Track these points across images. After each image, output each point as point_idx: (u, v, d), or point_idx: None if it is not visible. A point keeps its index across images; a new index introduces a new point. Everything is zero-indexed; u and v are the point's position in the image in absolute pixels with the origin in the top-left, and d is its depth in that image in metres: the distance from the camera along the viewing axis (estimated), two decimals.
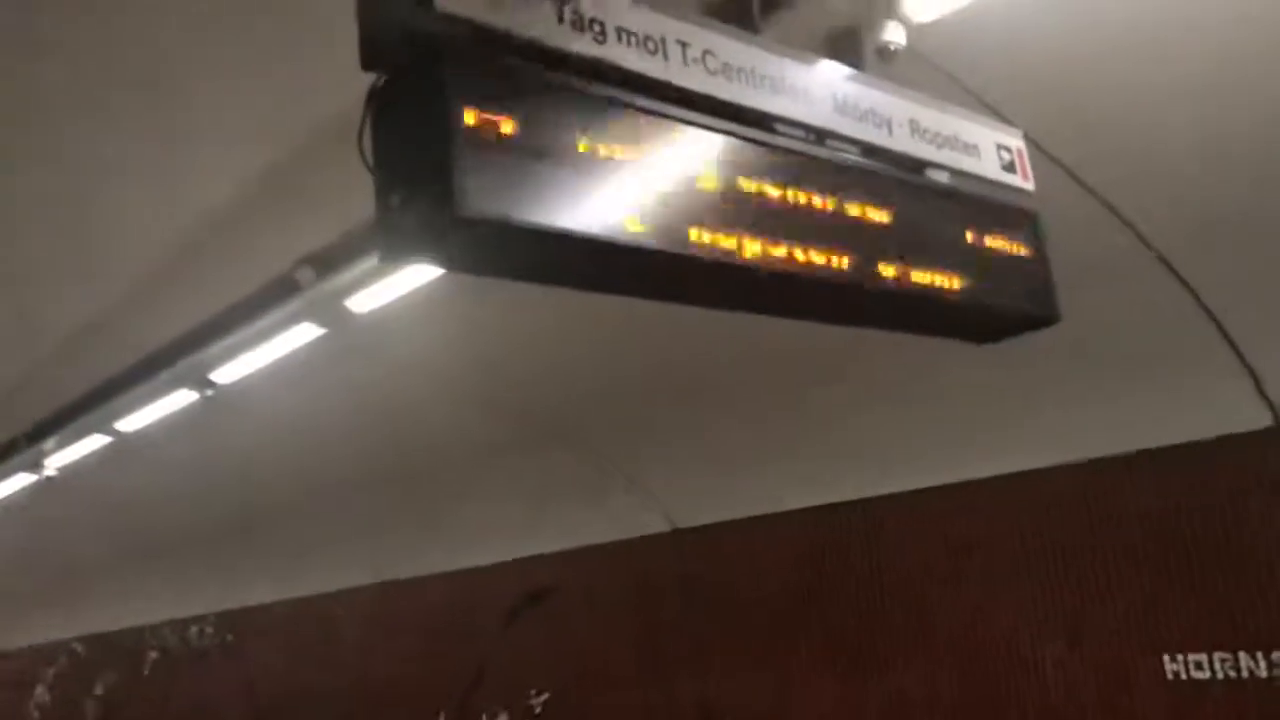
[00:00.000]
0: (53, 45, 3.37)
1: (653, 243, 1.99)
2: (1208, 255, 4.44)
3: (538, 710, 8.21)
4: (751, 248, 2.11)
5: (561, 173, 1.91)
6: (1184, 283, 4.60)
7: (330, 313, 5.43)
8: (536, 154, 1.88)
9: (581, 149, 1.95)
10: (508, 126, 1.85)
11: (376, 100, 1.89)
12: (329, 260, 5.00)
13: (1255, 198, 4.12)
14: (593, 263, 2.03)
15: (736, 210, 2.14)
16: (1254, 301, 4.58)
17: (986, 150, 2.69)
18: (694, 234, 2.05)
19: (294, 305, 5.33)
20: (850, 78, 2.53)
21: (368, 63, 1.84)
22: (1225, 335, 4.76)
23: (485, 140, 1.81)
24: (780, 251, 2.15)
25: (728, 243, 2.08)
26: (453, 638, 9.12)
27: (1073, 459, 5.55)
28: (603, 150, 1.99)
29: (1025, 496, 5.72)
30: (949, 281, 2.42)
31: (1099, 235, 4.37)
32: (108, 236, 5.21)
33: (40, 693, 16.86)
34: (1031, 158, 2.88)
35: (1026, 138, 2.91)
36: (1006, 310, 2.60)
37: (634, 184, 2.02)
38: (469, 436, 7.48)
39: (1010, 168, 2.73)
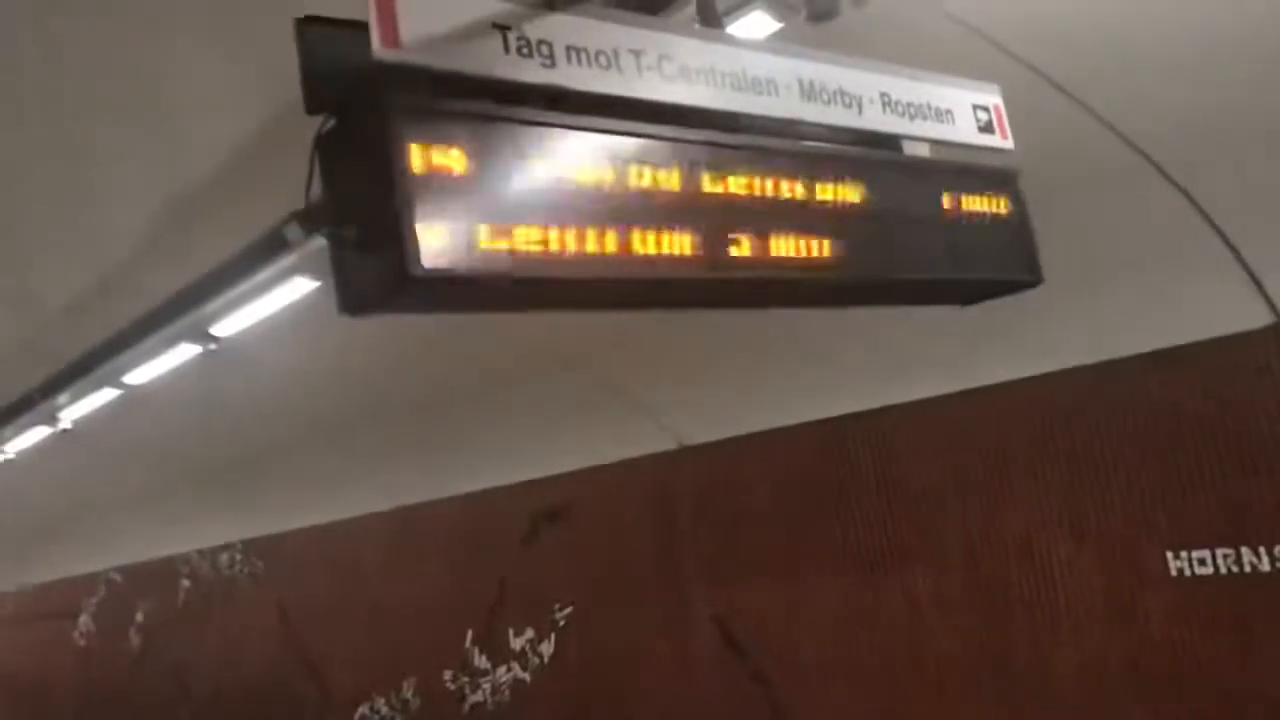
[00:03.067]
0: (46, 50, 3.43)
1: (626, 272, 1.94)
2: (1203, 161, 4.37)
3: (561, 624, 8.45)
4: (727, 257, 2.07)
5: (525, 213, 1.84)
6: (1182, 190, 4.54)
7: (323, 265, 5.40)
8: (496, 198, 1.82)
9: (542, 184, 1.89)
10: (462, 171, 1.78)
11: (323, 146, 1.83)
12: (317, 215, 4.96)
13: (1251, 100, 4.03)
14: (568, 295, 1.99)
15: (706, 220, 2.08)
16: (1252, 205, 4.52)
17: (962, 114, 2.61)
18: (664, 251, 1.99)
19: (286, 260, 5.32)
20: (815, 59, 2.43)
21: (312, 106, 1.78)
22: (1224, 237, 4.72)
23: (439, 189, 1.74)
24: (758, 252, 2.11)
25: (702, 256, 2.02)
26: (475, 557, 9.33)
27: (1076, 364, 5.56)
28: (563, 182, 1.91)
29: (1032, 401, 5.75)
30: (929, 257, 2.39)
31: (1094, 147, 4.31)
32: (103, 210, 5.32)
33: (84, 621, 17.44)
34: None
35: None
36: (989, 276, 2.56)
37: (599, 212, 1.95)
38: (478, 367, 7.53)
39: (988, 128, 2.65)
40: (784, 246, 2.18)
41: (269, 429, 9.07)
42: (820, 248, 2.22)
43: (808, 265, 2.23)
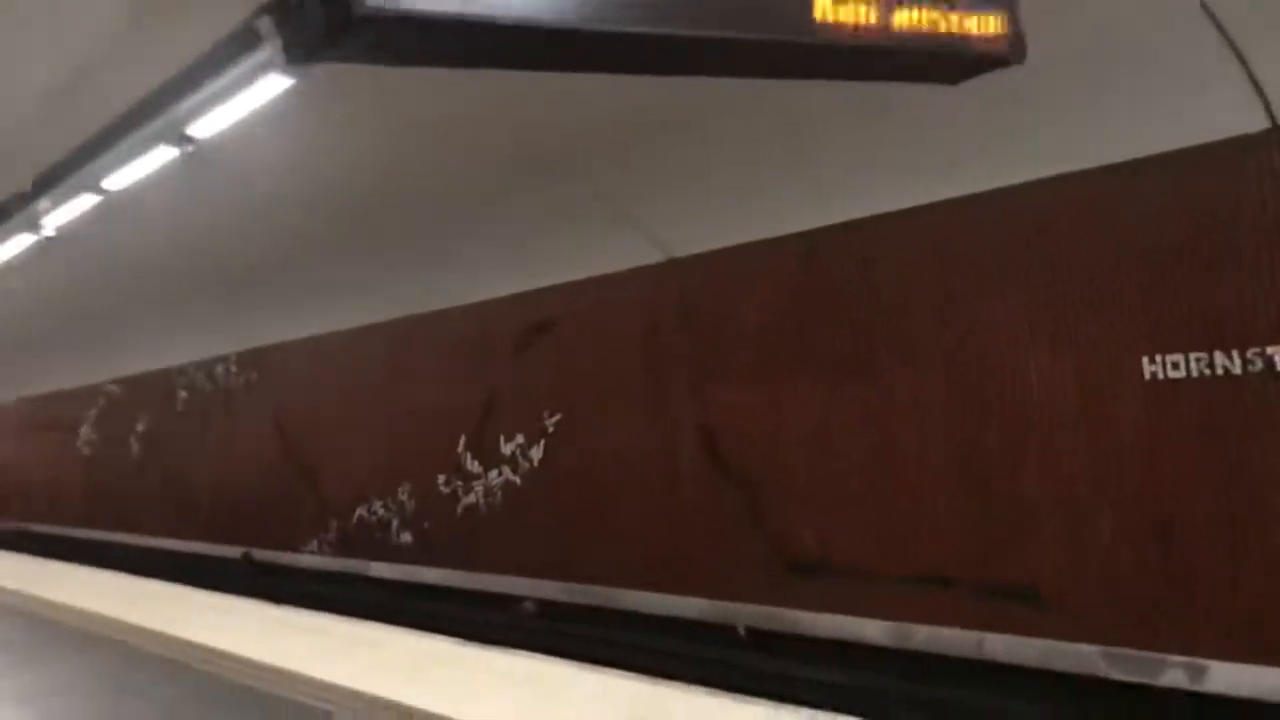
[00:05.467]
0: None
1: (592, 21, 1.86)
2: None
3: (550, 430, 8.64)
4: (699, 13, 1.97)
5: None
6: None
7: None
8: None
9: None
10: None
11: None
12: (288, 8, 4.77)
13: None
14: (518, 44, 1.91)
15: None
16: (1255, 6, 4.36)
17: None
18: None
19: (259, 56, 5.14)
20: None
21: None
22: (1226, 38, 4.57)
23: None
24: (740, 9, 2.02)
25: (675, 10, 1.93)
26: (467, 367, 9.46)
27: (1066, 170, 5.49)
28: None
29: (1011, 210, 5.71)
30: (915, 29, 2.30)
31: None
32: (64, 7, 5.04)
33: (86, 432, 17.82)
34: None
35: None
36: (973, 51, 2.48)
37: None
38: (466, 177, 7.42)
39: None
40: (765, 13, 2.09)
41: (260, 239, 9.01)
42: (793, 19, 2.14)
43: (794, 28, 2.14)
